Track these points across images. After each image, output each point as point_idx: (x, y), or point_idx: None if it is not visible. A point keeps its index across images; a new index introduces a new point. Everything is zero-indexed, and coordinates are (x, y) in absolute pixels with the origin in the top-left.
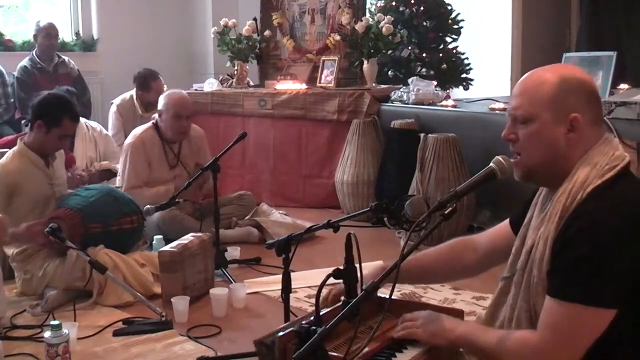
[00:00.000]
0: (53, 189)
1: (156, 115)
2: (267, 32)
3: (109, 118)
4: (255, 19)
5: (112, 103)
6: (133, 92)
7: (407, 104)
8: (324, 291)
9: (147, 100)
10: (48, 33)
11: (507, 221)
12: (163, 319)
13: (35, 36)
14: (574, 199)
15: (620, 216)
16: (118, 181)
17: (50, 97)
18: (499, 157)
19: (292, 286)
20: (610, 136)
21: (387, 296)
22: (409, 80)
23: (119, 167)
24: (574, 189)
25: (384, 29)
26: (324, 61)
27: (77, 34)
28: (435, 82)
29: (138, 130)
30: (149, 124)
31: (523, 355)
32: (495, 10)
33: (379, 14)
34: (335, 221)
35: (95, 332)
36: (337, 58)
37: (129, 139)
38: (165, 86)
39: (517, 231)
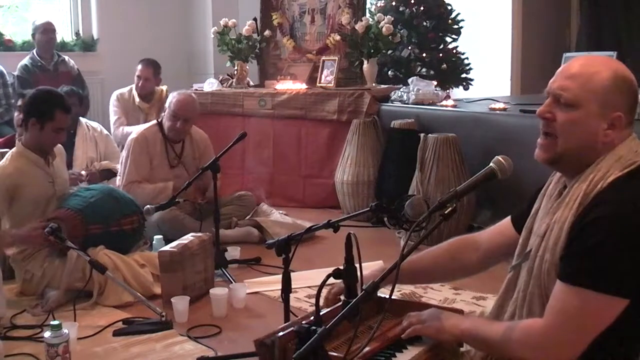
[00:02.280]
0: (54, 188)
1: (163, 113)
2: (267, 32)
3: (109, 107)
4: (255, 19)
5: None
6: (133, 85)
7: (407, 104)
8: (325, 291)
9: (138, 89)
10: (45, 29)
11: (508, 219)
12: (163, 319)
13: (33, 35)
14: (594, 187)
15: (635, 207)
16: (118, 181)
17: (39, 92)
18: (499, 157)
19: (292, 286)
20: (635, 135)
21: (387, 296)
22: (409, 80)
23: (121, 162)
24: (595, 178)
25: (384, 29)
26: (324, 61)
27: (77, 34)
28: (435, 82)
29: (142, 127)
30: (154, 121)
31: (529, 342)
32: (495, 10)
33: (379, 14)
34: (335, 221)
35: (95, 332)
36: (337, 58)
37: (132, 135)
38: (149, 72)
39: (519, 228)
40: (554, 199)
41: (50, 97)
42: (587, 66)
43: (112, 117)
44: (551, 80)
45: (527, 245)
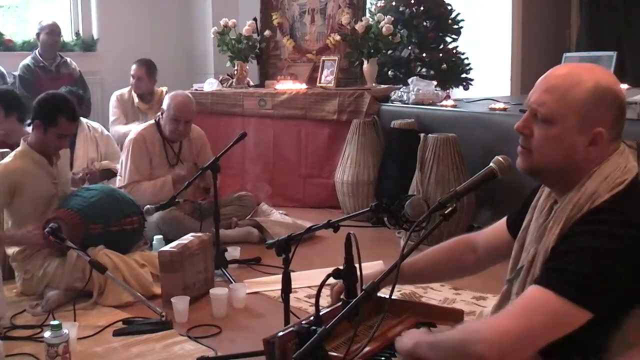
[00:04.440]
0: (56, 188)
1: (159, 114)
2: (267, 32)
3: (109, 107)
4: (255, 19)
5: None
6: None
7: (407, 104)
8: (327, 291)
9: (133, 88)
10: (52, 30)
11: (503, 221)
12: (163, 319)
13: (38, 34)
14: (579, 210)
15: (624, 232)
16: (118, 181)
17: (48, 96)
18: (499, 157)
19: (292, 286)
20: (623, 146)
21: (387, 296)
22: (409, 80)
23: (121, 163)
24: (580, 201)
25: (384, 29)
26: (324, 61)
27: (77, 34)
28: (435, 82)
29: (140, 127)
30: (151, 121)
31: (480, 327)
32: (495, 10)
33: (379, 14)
34: (335, 221)
35: (95, 332)
36: (337, 58)
37: (130, 135)
38: (142, 71)
39: (514, 232)
40: (545, 214)
41: (58, 103)
42: (566, 77)
43: (111, 118)
44: (530, 92)
45: (520, 260)
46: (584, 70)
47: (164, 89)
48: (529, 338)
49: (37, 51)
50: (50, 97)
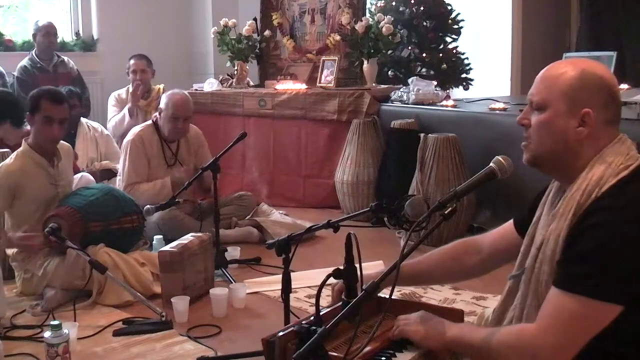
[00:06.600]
0: (57, 190)
1: (156, 114)
2: (267, 32)
3: (108, 106)
4: (255, 19)
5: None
6: (129, 85)
7: (407, 104)
8: (327, 291)
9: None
10: (47, 32)
11: (510, 222)
12: (163, 319)
13: (34, 35)
14: (588, 196)
15: (635, 215)
16: (118, 181)
17: (33, 91)
18: (499, 157)
19: (292, 286)
20: (625, 136)
21: (387, 296)
22: (409, 80)
23: (119, 165)
24: (588, 187)
25: (384, 29)
26: (324, 61)
27: (77, 34)
28: (435, 82)
29: (137, 128)
30: (149, 122)
31: (520, 346)
32: (495, 10)
33: (379, 14)
34: (335, 221)
35: (95, 332)
36: (337, 58)
37: (128, 137)
38: (143, 66)
39: (522, 232)
40: (550, 208)
41: (38, 90)
42: (555, 68)
43: (109, 116)
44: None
45: (528, 254)
46: (573, 61)
47: (161, 86)
48: (576, 346)
49: (34, 52)
50: (35, 90)
